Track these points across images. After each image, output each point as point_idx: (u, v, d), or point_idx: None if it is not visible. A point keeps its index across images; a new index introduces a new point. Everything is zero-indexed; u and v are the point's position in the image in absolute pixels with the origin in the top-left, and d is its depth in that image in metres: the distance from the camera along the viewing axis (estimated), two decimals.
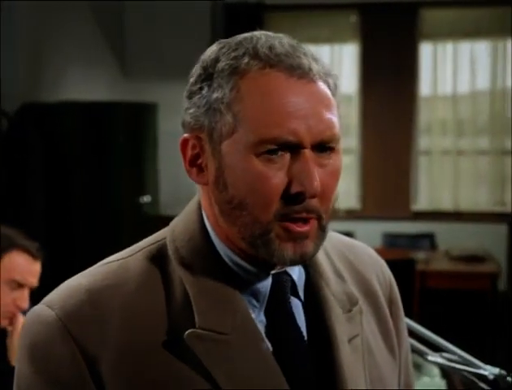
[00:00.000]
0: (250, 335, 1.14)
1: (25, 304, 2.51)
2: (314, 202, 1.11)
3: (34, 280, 2.54)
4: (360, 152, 7.81)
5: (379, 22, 7.66)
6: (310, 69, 1.12)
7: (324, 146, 1.12)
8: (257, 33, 1.16)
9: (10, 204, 5.88)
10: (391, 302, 1.37)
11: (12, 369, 2.38)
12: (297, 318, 1.19)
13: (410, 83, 7.70)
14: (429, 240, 7.35)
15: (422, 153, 7.79)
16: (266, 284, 1.17)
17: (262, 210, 1.11)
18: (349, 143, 7.79)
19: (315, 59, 1.15)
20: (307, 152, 1.10)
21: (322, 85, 1.13)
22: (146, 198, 6.38)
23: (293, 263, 1.15)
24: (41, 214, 6.04)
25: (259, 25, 7.34)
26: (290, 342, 1.16)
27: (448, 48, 7.66)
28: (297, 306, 1.20)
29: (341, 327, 1.20)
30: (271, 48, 1.12)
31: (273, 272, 1.17)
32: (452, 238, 7.22)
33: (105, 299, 1.15)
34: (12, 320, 2.50)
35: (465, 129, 7.65)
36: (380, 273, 1.38)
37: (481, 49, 7.60)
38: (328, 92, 1.13)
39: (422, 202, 7.78)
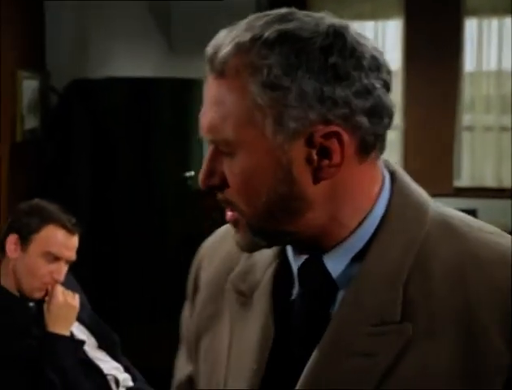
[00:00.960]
0: (259, 307, 1.18)
1: (61, 276, 2.61)
2: (227, 195, 1.11)
3: (70, 254, 2.64)
4: (403, 128, 7.80)
5: None
6: (216, 62, 1.07)
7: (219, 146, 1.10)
8: (260, 15, 1.10)
9: (57, 178, 6.01)
10: None
11: (47, 335, 2.52)
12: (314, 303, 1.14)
13: (454, 59, 7.66)
14: (471, 216, 7.34)
15: (465, 129, 7.77)
16: (296, 266, 1.17)
17: None
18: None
19: (246, 49, 1.05)
20: (209, 146, 1.12)
21: (223, 82, 1.07)
22: (190, 173, 6.45)
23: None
24: (86, 188, 6.16)
25: (303, 2, 7.36)
26: (294, 326, 1.16)
27: (493, 24, 7.60)
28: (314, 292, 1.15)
29: (343, 332, 1.08)
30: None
31: (307, 256, 1.15)
32: (494, 214, 7.21)
33: (230, 239, 1.23)
34: (47, 292, 2.60)
35: (509, 105, 7.61)
36: None
37: None
38: (226, 90, 1.06)
39: (464, 178, 7.77)
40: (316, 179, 1.07)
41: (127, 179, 6.27)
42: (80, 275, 3.10)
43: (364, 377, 1.05)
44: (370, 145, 1.11)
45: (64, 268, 2.63)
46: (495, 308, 1.05)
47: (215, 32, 1.13)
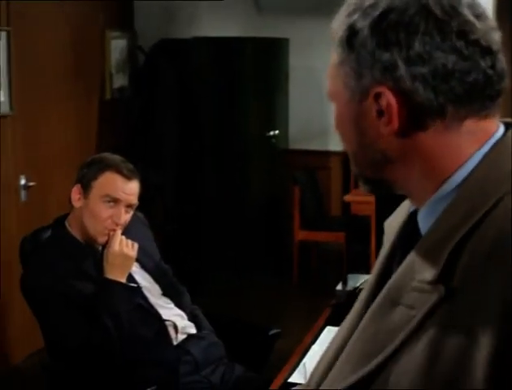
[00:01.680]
0: (383, 253, 1.31)
1: (120, 220, 2.75)
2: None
3: (129, 198, 2.76)
4: None
5: None
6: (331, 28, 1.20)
7: None
8: None
9: (144, 135, 6.12)
10: None
11: (103, 280, 2.64)
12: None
13: None
14: None
15: None
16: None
17: None
18: None
19: (339, 22, 1.17)
20: None
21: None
22: (274, 132, 6.48)
23: None
24: (171, 146, 6.25)
25: None
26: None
27: None
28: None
29: (398, 284, 1.15)
30: None
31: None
32: None
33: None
34: (109, 238, 2.73)
35: None
36: None
37: None
38: (335, 54, 1.18)
39: None
40: (378, 135, 1.14)
41: (211, 138, 6.35)
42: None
43: (401, 328, 1.09)
44: (435, 112, 1.09)
45: (124, 212, 2.77)
46: None
47: None
